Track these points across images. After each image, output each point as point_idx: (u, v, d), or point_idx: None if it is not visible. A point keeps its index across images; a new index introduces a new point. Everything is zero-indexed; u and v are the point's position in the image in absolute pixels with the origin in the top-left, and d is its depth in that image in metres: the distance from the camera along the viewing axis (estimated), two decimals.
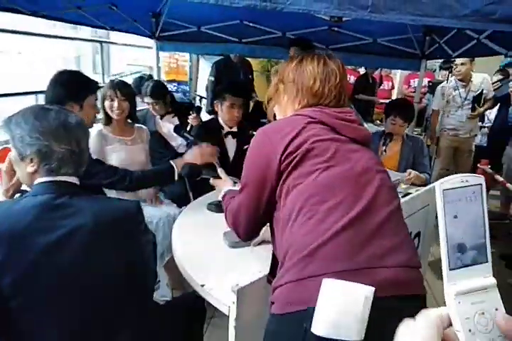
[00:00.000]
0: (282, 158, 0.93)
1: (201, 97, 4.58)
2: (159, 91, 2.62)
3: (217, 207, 1.81)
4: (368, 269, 0.82)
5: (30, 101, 2.56)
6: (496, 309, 0.36)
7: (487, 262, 0.38)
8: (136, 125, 2.26)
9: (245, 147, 2.42)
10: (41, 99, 2.57)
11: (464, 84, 3.52)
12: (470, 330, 0.35)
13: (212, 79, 3.84)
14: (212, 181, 1.59)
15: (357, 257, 0.82)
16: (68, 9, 2.42)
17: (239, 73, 3.84)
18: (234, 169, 2.07)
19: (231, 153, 2.39)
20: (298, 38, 3.00)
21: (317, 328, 0.78)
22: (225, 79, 3.68)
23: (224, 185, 1.47)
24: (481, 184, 0.38)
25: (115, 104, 2.05)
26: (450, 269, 0.36)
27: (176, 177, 1.78)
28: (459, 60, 3.36)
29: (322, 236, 0.84)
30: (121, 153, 2.08)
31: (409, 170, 2.25)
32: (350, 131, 1.00)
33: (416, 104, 3.46)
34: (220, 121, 2.36)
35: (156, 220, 1.99)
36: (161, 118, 2.69)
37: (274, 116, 1.16)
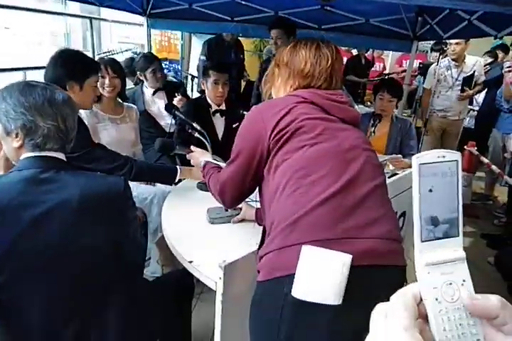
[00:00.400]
0: (272, 135, 0.98)
1: (193, 76, 4.53)
2: (151, 59, 2.64)
3: (207, 185, 1.86)
4: (347, 239, 0.86)
5: (18, 77, 2.52)
6: (464, 280, 0.37)
7: (458, 236, 0.38)
8: (125, 104, 2.26)
9: (234, 125, 2.44)
10: (30, 76, 2.54)
11: (456, 64, 3.51)
12: (437, 299, 0.35)
13: (204, 58, 3.79)
14: (188, 156, 1.61)
15: (337, 227, 0.87)
16: None
17: (230, 52, 3.79)
18: (223, 147, 2.10)
19: (219, 131, 2.41)
20: (278, 19, 2.93)
21: (296, 292, 0.83)
22: (216, 58, 3.64)
23: (201, 156, 1.52)
24: (457, 160, 0.38)
25: (106, 81, 2.05)
26: (422, 241, 0.37)
27: (176, 181, 1.81)
28: (454, 40, 3.36)
29: (305, 206, 0.89)
30: (111, 131, 2.09)
31: (398, 156, 2.29)
32: (340, 112, 1.05)
33: (406, 86, 3.47)
34: (208, 99, 2.38)
35: (150, 196, 2.01)
36: (153, 94, 2.68)
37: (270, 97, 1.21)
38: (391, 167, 2.37)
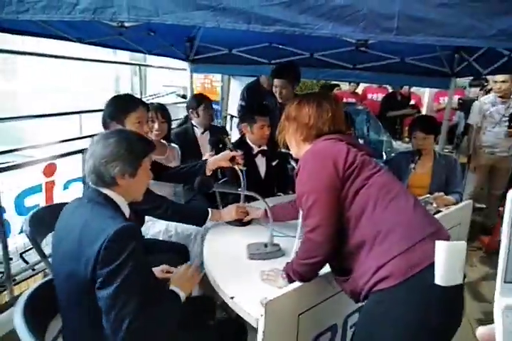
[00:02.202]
0: (345, 168, 1.21)
1: (232, 116, 4.71)
2: (202, 97, 2.88)
3: (235, 220, 1.89)
4: (439, 232, 1.17)
5: (76, 119, 2.76)
6: None
7: None
8: (169, 144, 2.38)
9: (274, 163, 2.49)
10: (84, 118, 2.77)
11: (503, 100, 3.42)
12: None
13: (243, 103, 3.96)
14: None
15: (432, 224, 1.18)
16: (111, 36, 2.61)
17: (268, 98, 3.93)
18: (265, 185, 2.13)
19: (262, 170, 2.46)
20: (281, 68, 2.95)
21: (441, 280, 1.00)
22: (255, 105, 3.81)
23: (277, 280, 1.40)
24: None
25: (156, 125, 2.20)
26: (505, 282, 0.35)
27: (205, 224, 1.84)
28: (499, 77, 3.30)
29: (407, 213, 1.18)
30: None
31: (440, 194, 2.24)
32: (363, 148, 1.35)
33: (446, 122, 3.41)
34: (249, 141, 2.45)
35: (194, 233, 2.05)
36: (202, 134, 2.83)
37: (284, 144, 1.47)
38: (434, 204, 2.29)
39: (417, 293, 1.08)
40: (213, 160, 1.91)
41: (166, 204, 1.75)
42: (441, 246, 1.02)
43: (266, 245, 1.66)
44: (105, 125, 1.76)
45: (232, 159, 1.94)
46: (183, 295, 1.27)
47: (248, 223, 1.94)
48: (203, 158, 2.01)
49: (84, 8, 1.35)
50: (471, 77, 4.52)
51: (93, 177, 1.20)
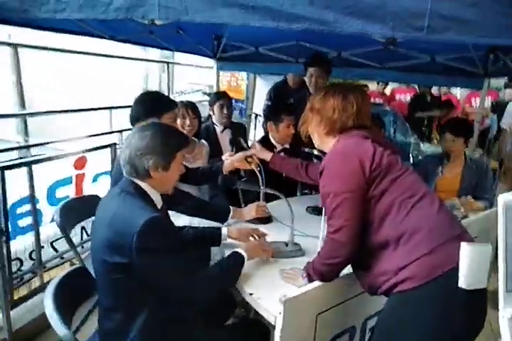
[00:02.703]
0: (372, 170, 1.20)
1: (256, 115, 4.72)
2: (220, 95, 2.88)
3: (256, 218, 1.90)
4: (463, 234, 1.16)
5: (106, 114, 2.85)
6: None
7: None
8: (197, 140, 2.41)
9: None
10: (114, 114, 2.85)
11: None
12: None
13: (269, 103, 3.96)
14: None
15: (455, 226, 1.18)
16: (141, 34, 2.67)
17: (293, 96, 3.92)
18: (287, 184, 2.13)
19: None
20: (317, 56, 2.91)
21: (465, 283, 1.02)
22: (282, 102, 3.79)
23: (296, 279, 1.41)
24: None
25: (187, 121, 2.24)
26: (507, 291, 0.35)
27: (227, 221, 1.84)
28: None
29: (431, 215, 1.17)
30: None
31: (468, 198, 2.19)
32: (387, 145, 1.31)
33: (477, 124, 3.29)
34: (272, 140, 2.46)
35: None
36: (222, 132, 2.84)
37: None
38: (462, 209, 2.23)
39: (440, 296, 1.08)
40: (229, 162, 1.91)
41: (189, 200, 1.78)
42: (466, 249, 1.03)
43: (286, 244, 1.66)
44: (139, 122, 1.75)
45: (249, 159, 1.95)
46: (245, 255, 1.41)
47: (269, 221, 1.95)
48: (223, 157, 2.02)
49: (117, 7, 1.39)
50: (507, 77, 4.34)
51: (128, 167, 1.24)
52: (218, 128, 2.86)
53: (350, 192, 1.19)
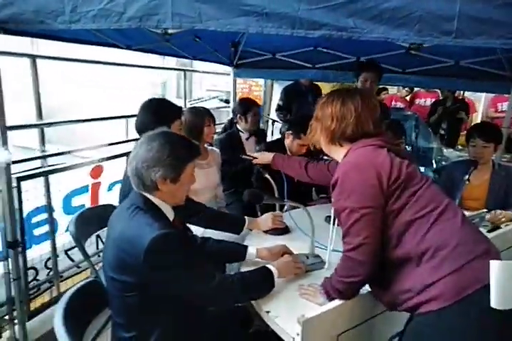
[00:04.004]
0: (390, 184, 1.13)
1: (273, 121, 4.68)
2: (252, 103, 2.88)
3: (272, 229, 1.86)
4: (489, 250, 1.09)
5: (122, 123, 2.87)
6: None
7: None
8: (209, 147, 2.38)
9: None
10: (130, 122, 2.86)
11: None
12: None
13: (280, 103, 3.96)
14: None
15: (481, 243, 1.11)
16: (158, 42, 2.67)
17: (307, 97, 3.88)
18: (302, 190, 2.07)
19: None
20: (371, 62, 2.93)
21: (495, 303, 0.96)
22: (294, 104, 3.81)
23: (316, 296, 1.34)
24: None
25: (213, 129, 2.22)
26: None
27: (242, 231, 1.80)
28: None
29: (454, 231, 1.10)
30: (201, 177, 2.19)
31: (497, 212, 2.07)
32: (407, 155, 1.27)
33: (505, 129, 3.14)
34: (286, 146, 2.43)
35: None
36: (247, 139, 2.82)
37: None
38: (487, 217, 2.11)
39: (471, 318, 1.01)
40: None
41: (202, 211, 1.74)
42: (496, 266, 0.97)
43: (307, 256, 1.60)
44: (148, 130, 1.75)
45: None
46: (275, 272, 1.34)
47: (286, 232, 1.89)
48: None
49: (130, 16, 1.38)
50: None
51: (135, 180, 1.20)
52: (244, 135, 2.85)
53: (368, 208, 1.12)
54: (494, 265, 0.98)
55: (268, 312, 1.28)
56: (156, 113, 1.74)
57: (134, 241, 1.08)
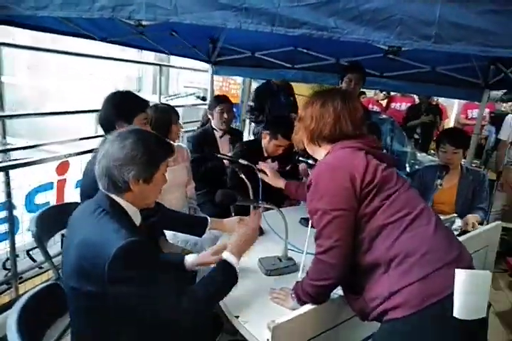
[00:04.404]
0: (363, 186, 1.11)
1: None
2: (222, 99, 2.78)
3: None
4: (461, 258, 1.07)
5: (93, 118, 2.75)
6: None
7: None
8: (176, 144, 2.29)
9: (287, 168, 2.42)
10: None
11: None
12: None
13: (252, 104, 3.93)
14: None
15: (453, 250, 1.08)
16: (133, 35, 2.58)
17: (279, 95, 3.88)
18: (273, 190, 2.05)
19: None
20: (356, 63, 2.95)
21: (460, 313, 0.93)
22: (267, 104, 3.78)
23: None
24: None
25: (179, 127, 2.16)
26: None
27: (205, 233, 1.72)
28: None
29: (426, 237, 1.07)
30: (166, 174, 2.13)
31: (468, 220, 2.12)
32: (384, 158, 1.24)
33: (476, 136, 3.24)
34: (263, 146, 2.41)
35: (200, 242, 1.97)
36: (221, 137, 2.76)
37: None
38: (459, 223, 2.16)
39: (433, 326, 0.99)
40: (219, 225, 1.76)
41: (160, 212, 1.63)
42: (461, 275, 0.95)
43: (280, 259, 1.58)
44: (109, 124, 1.66)
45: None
46: (235, 262, 1.25)
47: (260, 234, 1.85)
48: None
49: (102, 5, 1.31)
50: (504, 90, 4.32)
51: (105, 180, 1.12)
52: (217, 133, 2.77)
53: (340, 211, 1.10)
54: (460, 274, 0.96)
55: (237, 317, 1.24)
56: (118, 106, 1.66)
57: (100, 249, 1.01)
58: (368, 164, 1.14)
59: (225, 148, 2.75)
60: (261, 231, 1.86)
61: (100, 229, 1.06)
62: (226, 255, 1.26)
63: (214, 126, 2.77)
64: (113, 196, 1.14)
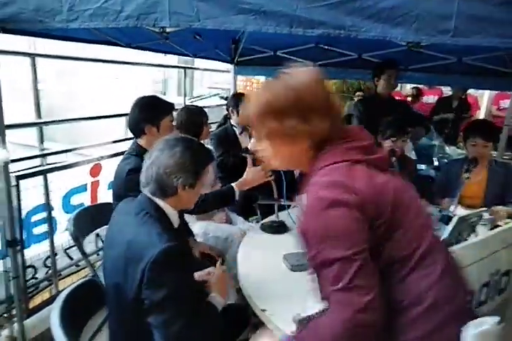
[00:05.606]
0: (376, 215, 0.88)
1: None
2: (241, 97, 2.83)
3: (270, 227, 1.87)
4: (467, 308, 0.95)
5: (123, 121, 2.86)
6: None
7: None
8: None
9: None
10: None
11: None
12: None
13: None
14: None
15: (457, 298, 0.92)
16: (157, 40, 2.66)
17: None
18: (289, 188, 2.08)
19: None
20: (392, 60, 2.95)
21: None
22: None
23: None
24: None
25: (209, 129, 2.24)
26: None
27: (237, 198, 1.79)
28: None
29: (433, 282, 0.89)
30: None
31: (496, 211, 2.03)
32: (380, 161, 0.99)
33: (507, 127, 3.12)
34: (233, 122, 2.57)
35: (230, 237, 2.03)
36: (241, 134, 2.83)
37: None
38: (486, 216, 2.09)
39: None
40: (244, 182, 1.83)
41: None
42: (469, 333, 0.84)
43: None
44: (138, 128, 1.77)
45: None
46: (220, 302, 1.30)
47: (285, 230, 1.89)
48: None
49: (128, 14, 1.37)
50: None
51: (153, 186, 1.19)
52: (237, 130, 2.84)
53: (362, 252, 0.85)
54: (468, 332, 0.84)
55: (264, 310, 1.27)
56: (145, 110, 1.75)
57: (143, 252, 1.07)
58: (375, 185, 0.92)
59: (245, 143, 2.80)
60: (286, 228, 1.90)
61: (144, 231, 1.13)
62: None
63: (234, 124, 2.84)
64: (156, 200, 1.21)
